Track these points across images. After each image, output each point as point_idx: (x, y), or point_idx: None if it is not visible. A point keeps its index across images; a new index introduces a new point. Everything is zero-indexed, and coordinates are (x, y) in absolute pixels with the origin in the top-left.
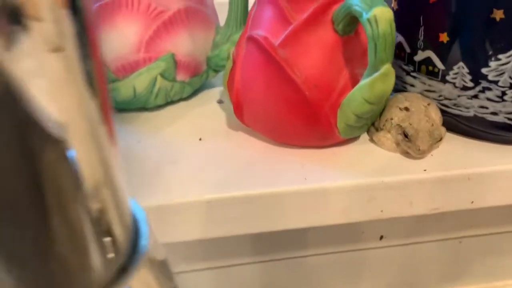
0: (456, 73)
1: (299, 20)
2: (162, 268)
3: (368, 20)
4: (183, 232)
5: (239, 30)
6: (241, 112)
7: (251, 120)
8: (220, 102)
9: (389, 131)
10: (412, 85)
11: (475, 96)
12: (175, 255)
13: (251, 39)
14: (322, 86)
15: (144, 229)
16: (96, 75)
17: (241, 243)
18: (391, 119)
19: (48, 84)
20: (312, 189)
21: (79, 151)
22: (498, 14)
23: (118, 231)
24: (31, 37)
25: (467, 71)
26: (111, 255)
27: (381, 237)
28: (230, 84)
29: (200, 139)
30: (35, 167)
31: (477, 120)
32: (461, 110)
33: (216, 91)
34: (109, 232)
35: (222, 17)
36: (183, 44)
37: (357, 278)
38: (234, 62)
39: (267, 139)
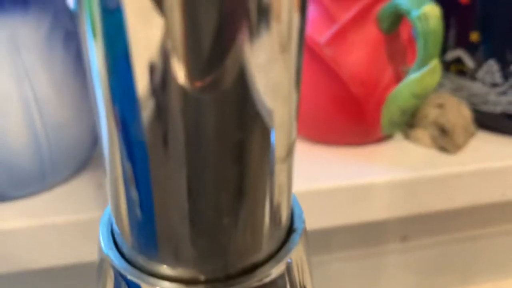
0: (486, 71)
1: (344, 19)
2: (305, 238)
3: (418, 17)
4: None
5: None
6: None
7: None
8: None
9: (425, 128)
10: (441, 85)
11: (504, 93)
12: None
13: None
14: (368, 83)
15: (298, 208)
16: (300, 73)
17: None
18: (426, 116)
19: (271, 83)
20: (356, 185)
21: (278, 138)
22: None
23: (286, 207)
24: (270, 36)
25: (497, 68)
26: (280, 226)
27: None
28: None
29: None
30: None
31: (504, 116)
32: (489, 107)
33: None
34: (280, 206)
35: None
36: None
37: (375, 283)
38: None
39: (302, 138)
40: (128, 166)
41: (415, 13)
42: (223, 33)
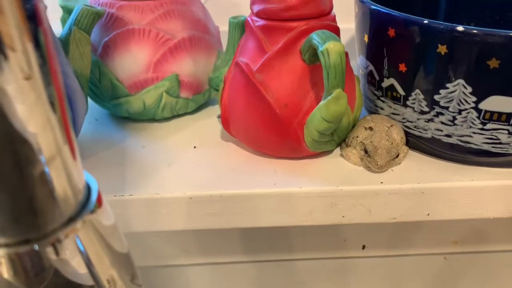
0: (414, 99)
1: (273, 50)
2: (110, 231)
3: (322, 52)
4: (168, 223)
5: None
6: (228, 125)
7: (235, 132)
8: (219, 117)
9: (354, 147)
10: (382, 108)
11: (431, 120)
12: (174, 248)
13: (237, 64)
14: (291, 106)
15: (93, 194)
16: (57, 97)
17: (235, 242)
18: (357, 137)
19: (26, 107)
20: (279, 193)
21: (44, 147)
22: (443, 49)
23: (67, 191)
24: (10, 65)
25: (423, 97)
26: (61, 207)
27: (364, 247)
28: (221, 101)
29: (194, 147)
30: (17, 156)
31: (434, 141)
32: (420, 132)
33: (218, 108)
34: (62, 189)
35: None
36: (186, 66)
37: (345, 286)
38: (224, 83)
39: (251, 149)
40: None
41: (320, 48)
42: None
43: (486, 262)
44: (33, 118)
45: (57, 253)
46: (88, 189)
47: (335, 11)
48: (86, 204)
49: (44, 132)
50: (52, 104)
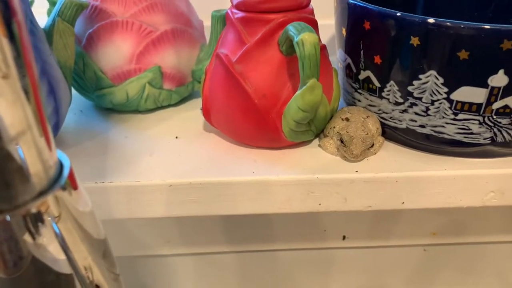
0: (389, 90)
1: (251, 42)
2: (87, 217)
3: (297, 43)
4: (149, 210)
5: None
6: (209, 115)
7: (216, 122)
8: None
9: (331, 138)
10: (359, 100)
11: (405, 111)
12: (158, 238)
13: (217, 56)
14: (270, 96)
15: (65, 171)
16: (31, 88)
17: (218, 232)
18: (334, 127)
19: (5, 103)
20: (257, 181)
21: (14, 121)
22: (415, 41)
23: (37, 165)
24: None
25: (397, 88)
26: (31, 180)
27: (344, 237)
28: (202, 92)
29: (176, 137)
30: None
31: (409, 131)
32: (396, 123)
33: (201, 100)
34: (32, 163)
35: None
36: (169, 58)
37: (326, 277)
38: (206, 74)
39: (232, 140)
40: None
41: (296, 39)
42: None
43: (465, 254)
44: (3, 94)
45: (28, 228)
46: (61, 166)
47: (316, 7)
48: (58, 180)
49: (14, 107)
50: (23, 79)
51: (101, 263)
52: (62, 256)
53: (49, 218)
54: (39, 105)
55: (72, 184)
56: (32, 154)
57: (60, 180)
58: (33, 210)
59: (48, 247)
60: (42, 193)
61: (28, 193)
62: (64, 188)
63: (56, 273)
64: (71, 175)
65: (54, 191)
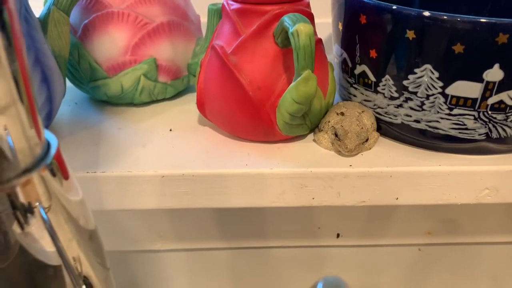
0: (384, 85)
1: (247, 33)
2: (77, 205)
3: (292, 33)
4: (141, 201)
5: None
6: (203, 108)
7: (211, 115)
8: None
9: (326, 132)
10: (354, 95)
11: (401, 105)
12: (151, 233)
13: (213, 47)
14: (264, 89)
15: (52, 150)
16: (20, 72)
17: (211, 228)
18: (329, 121)
19: None
20: (251, 174)
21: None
22: (411, 34)
23: (22, 142)
24: None
25: (392, 83)
26: (15, 156)
27: (338, 235)
28: (197, 85)
29: (170, 130)
30: None
31: (404, 127)
32: (391, 118)
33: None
34: (17, 139)
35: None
36: (164, 51)
37: (320, 275)
38: (201, 66)
39: (226, 133)
40: None
41: (291, 30)
42: None
43: (460, 254)
44: None
45: (14, 207)
46: (48, 146)
47: (314, 6)
48: (44, 158)
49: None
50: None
51: (90, 255)
52: (49, 243)
53: (37, 203)
54: (26, 83)
55: (60, 166)
56: (17, 129)
57: (46, 159)
58: (17, 186)
59: (36, 234)
60: (27, 170)
61: (12, 170)
62: (51, 169)
63: (44, 264)
64: (58, 156)
65: (39, 170)
